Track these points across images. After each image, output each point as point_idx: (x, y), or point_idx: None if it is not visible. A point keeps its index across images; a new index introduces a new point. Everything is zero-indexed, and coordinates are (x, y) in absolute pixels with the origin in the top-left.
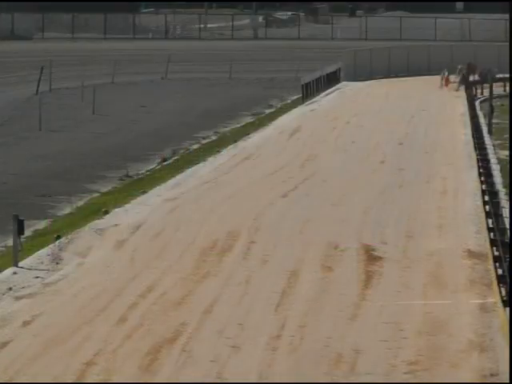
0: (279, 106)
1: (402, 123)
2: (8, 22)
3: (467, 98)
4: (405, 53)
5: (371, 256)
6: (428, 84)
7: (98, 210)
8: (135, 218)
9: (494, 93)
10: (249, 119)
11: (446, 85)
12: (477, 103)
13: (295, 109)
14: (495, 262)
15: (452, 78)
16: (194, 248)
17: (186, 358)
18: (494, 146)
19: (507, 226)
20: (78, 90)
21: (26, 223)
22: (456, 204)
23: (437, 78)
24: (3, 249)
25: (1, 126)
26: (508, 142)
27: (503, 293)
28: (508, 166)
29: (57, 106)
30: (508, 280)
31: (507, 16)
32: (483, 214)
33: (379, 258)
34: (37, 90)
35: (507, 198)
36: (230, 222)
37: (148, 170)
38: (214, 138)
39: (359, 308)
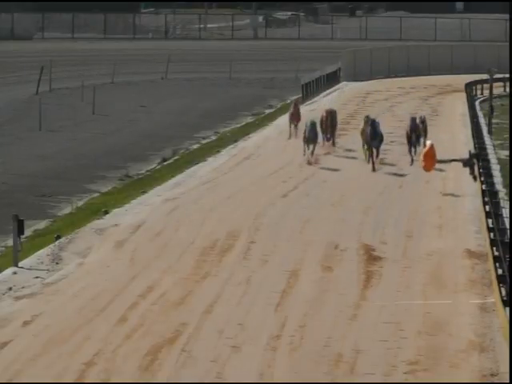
0: (279, 106)
1: (402, 123)
2: (8, 22)
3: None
4: (405, 53)
5: (371, 256)
6: (427, 83)
7: (98, 210)
8: (135, 218)
9: (494, 93)
10: (249, 119)
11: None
12: (477, 103)
13: None
14: (495, 262)
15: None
16: (194, 248)
17: (185, 358)
18: (494, 145)
19: (507, 226)
20: (78, 90)
21: (25, 223)
22: (456, 204)
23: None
24: (3, 249)
25: (1, 126)
26: (508, 141)
27: (503, 293)
28: (508, 165)
29: (57, 106)
30: (508, 280)
31: (507, 16)
32: (483, 214)
33: (379, 258)
34: (37, 90)
35: (507, 197)
36: (229, 222)
37: (148, 170)
38: (213, 137)
39: (359, 308)
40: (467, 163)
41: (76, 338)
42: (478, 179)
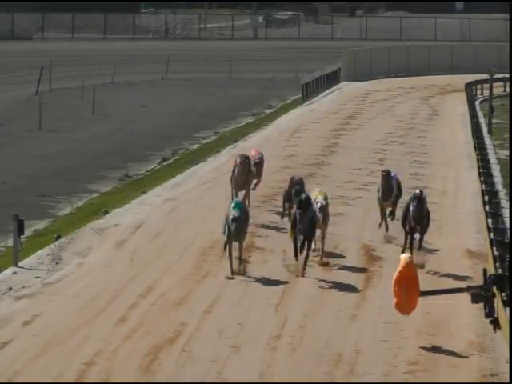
0: (279, 106)
1: (402, 122)
2: (8, 22)
3: None
4: (405, 53)
5: (371, 256)
6: (425, 83)
7: (98, 210)
8: (135, 217)
9: (494, 93)
10: (249, 119)
11: None
12: (477, 103)
13: (295, 109)
14: (495, 261)
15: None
16: (194, 248)
17: (185, 358)
18: (494, 146)
19: (507, 226)
20: (78, 90)
21: (26, 223)
22: (456, 204)
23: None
24: (3, 249)
25: (1, 126)
26: (508, 141)
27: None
28: (508, 165)
29: (57, 106)
30: (508, 280)
31: (507, 16)
32: (483, 214)
33: (379, 258)
34: (37, 90)
35: (507, 198)
36: None
37: (148, 170)
38: (213, 138)
39: (359, 308)
40: (480, 297)
41: (76, 338)
42: (503, 327)
